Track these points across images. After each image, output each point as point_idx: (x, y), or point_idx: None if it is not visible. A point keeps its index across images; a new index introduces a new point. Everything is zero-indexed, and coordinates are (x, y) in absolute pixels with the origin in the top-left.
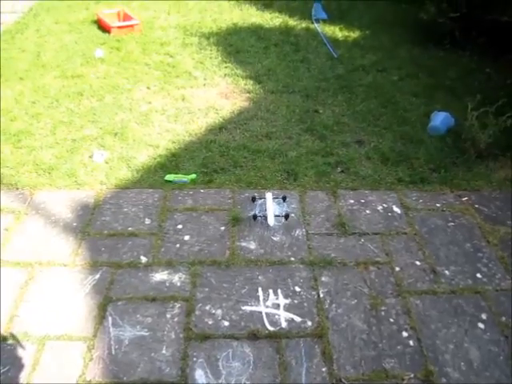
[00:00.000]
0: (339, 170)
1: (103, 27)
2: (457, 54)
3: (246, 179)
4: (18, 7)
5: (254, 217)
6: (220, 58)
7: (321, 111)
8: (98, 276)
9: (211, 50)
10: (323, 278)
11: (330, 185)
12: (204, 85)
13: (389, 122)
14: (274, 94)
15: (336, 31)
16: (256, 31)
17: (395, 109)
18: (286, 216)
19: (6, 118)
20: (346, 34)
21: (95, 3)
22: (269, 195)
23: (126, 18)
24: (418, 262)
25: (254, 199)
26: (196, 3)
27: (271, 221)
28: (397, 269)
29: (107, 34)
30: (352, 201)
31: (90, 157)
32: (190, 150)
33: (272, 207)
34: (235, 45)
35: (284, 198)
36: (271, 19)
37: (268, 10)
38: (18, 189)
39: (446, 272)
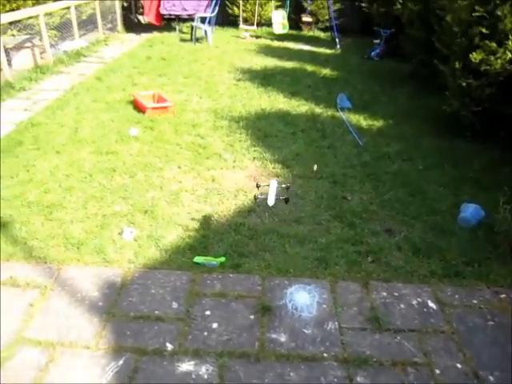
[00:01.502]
0: (370, 259)
1: (138, 107)
2: (479, 145)
3: (275, 265)
4: (61, 85)
5: (255, 197)
6: (249, 142)
7: (349, 198)
8: (121, 362)
9: (240, 134)
10: (359, 379)
11: (361, 275)
12: (233, 167)
13: (417, 212)
14: (301, 178)
15: (360, 120)
16: (284, 117)
17: (423, 198)
18: (286, 200)
19: (41, 189)
20: (370, 122)
21: (132, 85)
22: (273, 182)
23: (161, 99)
24: (458, 365)
25: (258, 186)
26: (226, 89)
27: (271, 201)
28: (437, 371)
29: (142, 114)
30: (385, 293)
31: (120, 233)
32: (219, 231)
33: (274, 191)
34: (263, 129)
35: (287, 188)
36: (298, 106)
37: (295, 98)
38: (46, 263)
39: (490, 377)
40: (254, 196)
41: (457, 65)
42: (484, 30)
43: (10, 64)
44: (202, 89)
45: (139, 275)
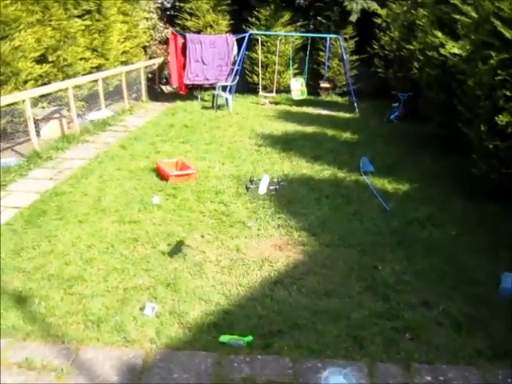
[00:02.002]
0: (408, 337)
1: (161, 175)
2: (510, 207)
3: (306, 345)
4: (86, 154)
5: (247, 188)
6: (273, 209)
7: (380, 268)
8: None
9: (264, 200)
10: None
11: (400, 355)
12: (258, 235)
13: (455, 282)
14: (329, 247)
15: (385, 184)
16: (307, 182)
17: (459, 267)
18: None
19: (62, 261)
20: (396, 186)
21: (155, 153)
22: (266, 176)
23: (184, 167)
24: None
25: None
26: (248, 155)
27: (262, 190)
28: None
29: (165, 182)
30: (429, 378)
31: (141, 309)
32: (245, 306)
33: (265, 182)
34: (287, 195)
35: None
36: (321, 171)
37: (317, 163)
38: (63, 342)
39: None
40: (246, 186)
41: (482, 127)
42: (508, 93)
43: (38, 134)
44: (225, 155)
45: (161, 357)
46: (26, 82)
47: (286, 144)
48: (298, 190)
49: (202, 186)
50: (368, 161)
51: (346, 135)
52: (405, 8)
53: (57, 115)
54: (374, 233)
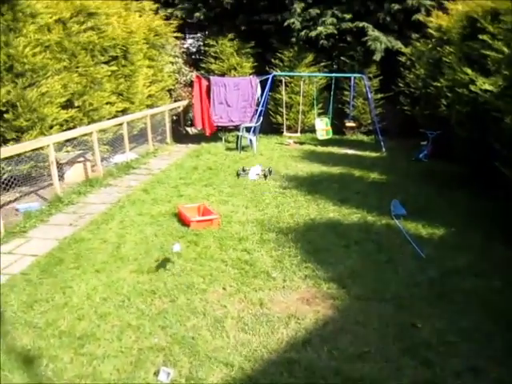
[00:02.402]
0: None
1: (183, 221)
2: None
3: None
4: (108, 198)
5: (238, 174)
6: (299, 257)
7: (419, 325)
8: None
9: (289, 248)
10: None
11: None
12: (283, 287)
13: (507, 345)
14: (361, 301)
15: (419, 228)
16: (334, 227)
17: (510, 326)
18: (265, 176)
19: (74, 315)
20: (430, 231)
21: (178, 197)
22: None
23: (206, 212)
24: None
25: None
26: (273, 198)
27: (252, 176)
28: None
29: (186, 228)
30: None
31: (155, 374)
32: (269, 372)
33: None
34: (314, 242)
35: (270, 171)
36: (349, 215)
37: (345, 206)
38: None
39: None
40: (237, 172)
41: None
42: None
43: (62, 178)
44: (248, 198)
45: None
46: (51, 126)
47: (311, 186)
48: (326, 235)
49: (224, 232)
50: (399, 203)
51: (374, 176)
52: (430, 46)
53: (81, 159)
54: (410, 284)
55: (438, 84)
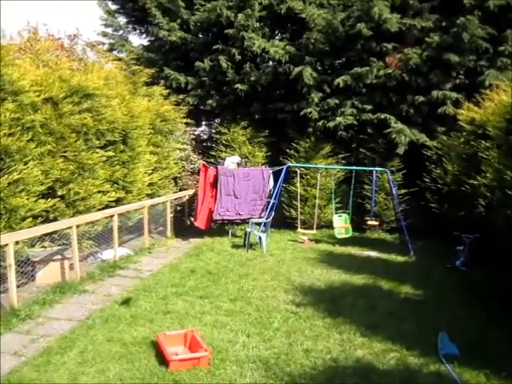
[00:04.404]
0: None
1: (162, 355)
2: None
3: None
4: (77, 313)
5: None
6: None
7: None
8: None
9: None
10: None
11: None
12: None
13: None
14: None
15: (481, 379)
16: (366, 377)
17: None
18: None
19: None
20: (496, 383)
21: (163, 314)
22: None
23: (194, 343)
24: None
25: None
26: (283, 321)
27: None
28: None
29: (165, 368)
30: None
31: None
32: None
33: None
34: None
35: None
36: (383, 353)
37: (375, 337)
38: None
39: None
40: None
41: None
42: None
43: (33, 279)
44: (251, 320)
45: None
46: (24, 219)
47: (331, 303)
48: None
49: (214, 377)
50: (447, 338)
51: (406, 289)
52: (462, 139)
53: (58, 257)
54: None
55: (475, 182)
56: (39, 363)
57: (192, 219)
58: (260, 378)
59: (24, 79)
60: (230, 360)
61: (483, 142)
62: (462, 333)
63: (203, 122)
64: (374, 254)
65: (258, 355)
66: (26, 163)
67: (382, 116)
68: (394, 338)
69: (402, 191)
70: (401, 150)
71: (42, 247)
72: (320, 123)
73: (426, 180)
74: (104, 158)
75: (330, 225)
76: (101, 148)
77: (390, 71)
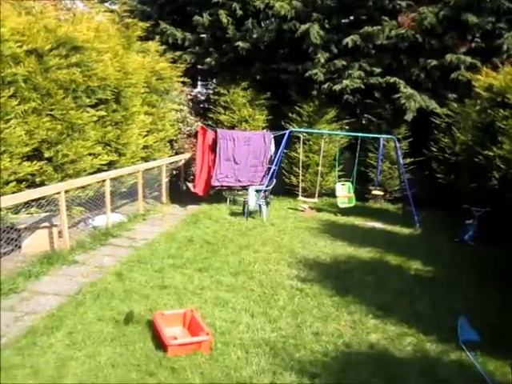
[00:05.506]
0: None
1: (158, 338)
2: None
3: None
4: (66, 286)
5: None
6: None
7: None
8: None
9: None
10: None
11: None
12: None
13: None
14: None
15: (506, 370)
16: (383, 366)
17: None
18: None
19: None
20: None
21: (160, 289)
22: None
23: (194, 324)
24: None
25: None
26: (288, 299)
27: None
28: None
29: (162, 353)
30: None
31: None
32: None
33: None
34: None
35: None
36: (398, 338)
37: (389, 319)
38: None
39: None
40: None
41: None
42: None
43: (18, 248)
44: (255, 297)
45: None
46: (7, 182)
47: (338, 279)
48: (370, 379)
49: (217, 365)
50: (467, 322)
51: (416, 265)
52: (477, 107)
53: (46, 224)
54: None
55: (490, 153)
56: (23, 345)
57: (189, 184)
58: (268, 366)
59: (4, 26)
60: (233, 344)
61: (501, 110)
62: (481, 317)
63: (199, 83)
64: (378, 225)
65: (264, 338)
66: (7, 122)
67: (392, 80)
68: (408, 320)
69: (408, 160)
70: (409, 117)
71: (29, 213)
72: (325, 86)
73: (433, 149)
74: (95, 118)
75: (331, 193)
76: (91, 107)
77: (402, 31)
